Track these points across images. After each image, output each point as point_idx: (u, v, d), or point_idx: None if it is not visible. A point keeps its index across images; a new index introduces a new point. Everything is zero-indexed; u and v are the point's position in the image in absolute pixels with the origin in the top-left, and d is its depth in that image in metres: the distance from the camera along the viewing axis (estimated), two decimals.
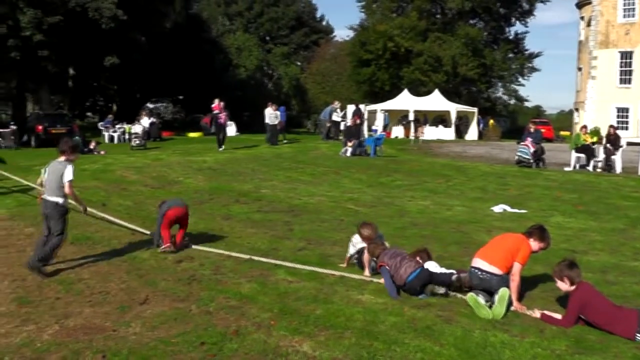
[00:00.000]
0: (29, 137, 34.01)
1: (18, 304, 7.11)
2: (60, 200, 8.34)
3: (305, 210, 13.52)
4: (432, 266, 7.87)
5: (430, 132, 40.50)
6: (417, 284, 7.33)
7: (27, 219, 12.36)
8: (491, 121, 47.22)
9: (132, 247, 9.68)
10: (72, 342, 5.94)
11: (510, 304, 6.94)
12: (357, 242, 8.63)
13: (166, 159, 23.16)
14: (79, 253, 9.42)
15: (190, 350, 5.74)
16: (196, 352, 5.71)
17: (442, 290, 7.36)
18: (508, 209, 14.18)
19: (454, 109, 43.05)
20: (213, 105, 28.32)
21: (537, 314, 6.80)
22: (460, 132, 43.44)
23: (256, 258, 8.99)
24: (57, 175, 8.34)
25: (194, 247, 9.65)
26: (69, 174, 8.28)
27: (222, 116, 28.01)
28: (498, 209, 14.15)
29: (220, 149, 26.57)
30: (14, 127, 34.06)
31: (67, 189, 8.30)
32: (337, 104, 35.92)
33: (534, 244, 7.32)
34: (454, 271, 7.82)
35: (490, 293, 7.10)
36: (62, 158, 8.52)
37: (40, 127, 32.72)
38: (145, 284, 7.82)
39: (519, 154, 23.75)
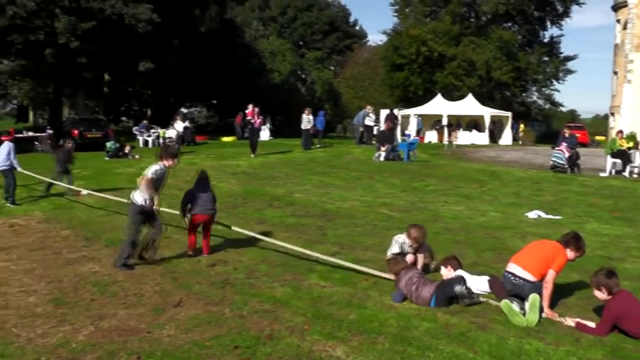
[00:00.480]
0: (64, 141, 34.43)
1: (54, 305, 7.21)
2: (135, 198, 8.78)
3: (338, 215, 13.50)
4: (462, 274, 7.80)
5: (464, 137, 40.20)
6: (443, 304, 7.21)
7: (63, 222, 12.54)
8: (522, 125, 46.56)
9: (166, 250, 9.74)
10: (107, 343, 6.00)
11: (541, 310, 6.87)
12: (403, 242, 8.53)
13: (200, 163, 23.26)
14: (114, 255, 9.49)
15: (224, 353, 5.76)
16: (230, 355, 5.73)
17: (467, 301, 7.26)
18: (543, 215, 14.02)
19: (487, 113, 42.69)
20: (247, 111, 28.28)
21: (569, 321, 6.72)
22: (494, 136, 43.07)
23: (297, 248, 9.02)
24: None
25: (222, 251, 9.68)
26: (149, 170, 8.80)
27: (257, 122, 27.70)
28: (532, 214, 14.00)
29: (253, 156, 26.20)
30: (50, 131, 34.55)
31: (139, 180, 8.88)
32: (369, 109, 35.84)
33: (570, 254, 7.25)
34: (486, 277, 7.76)
35: (522, 299, 7.02)
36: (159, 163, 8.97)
37: (76, 132, 33.10)
38: (179, 286, 7.87)
39: (553, 159, 23.51)
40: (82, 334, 6.26)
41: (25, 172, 15.70)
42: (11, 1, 37.06)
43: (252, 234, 10.17)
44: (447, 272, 8.01)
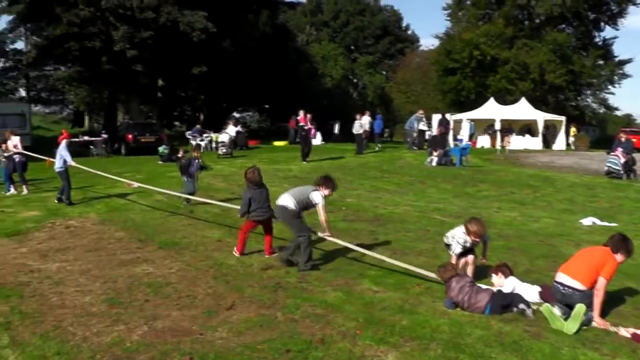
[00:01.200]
0: (119, 146, 35.09)
1: (109, 304, 7.33)
2: (289, 204, 8.97)
3: (390, 220, 13.44)
4: (513, 281, 7.67)
5: (517, 142, 39.65)
6: (497, 312, 7.08)
7: (118, 223, 12.75)
8: (573, 129, 45.25)
9: (219, 253, 9.83)
10: (161, 343, 6.06)
11: (588, 321, 6.69)
12: (460, 237, 8.23)
13: None
14: (168, 258, 9.63)
15: (275, 357, 5.77)
16: (281, 359, 5.74)
17: (521, 307, 7.12)
18: (597, 222, 13.74)
19: (541, 117, 42.01)
20: (299, 117, 27.73)
21: (624, 332, 6.52)
22: (548, 141, 42.39)
23: (359, 249, 9.00)
24: (300, 190, 9.27)
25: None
26: (319, 199, 8.99)
27: (309, 129, 27.45)
28: (587, 221, 13.73)
29: (305, 162, 25.89)
30: (105, 135, 35.22)
31: (322, 213, 9.02)
32: (421, 113, 35.63)
33: (620, 257, 7.04)
34: (537, 286, 7.63)
35: (572, 308, 6.82)
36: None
37: (130, 136, 33.71)
38: (231, 289, 7.92)
39: (608, 164, 23.02)
40: (136, 333, 6.35)
41: (162, 190, 15.74)
42: (66, 9, 37.92)
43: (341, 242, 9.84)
44: (498, 280, 7.88)
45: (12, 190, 17.56)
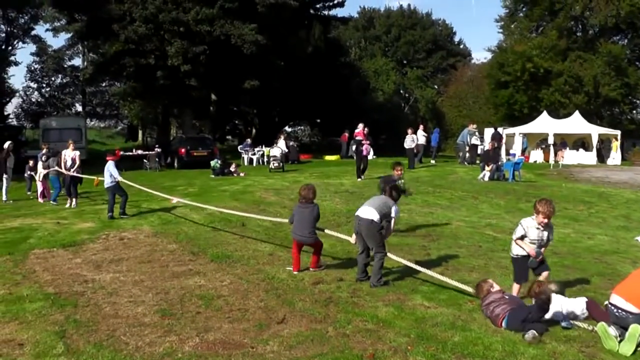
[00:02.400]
0: (172, 159, 35.53)
1: (161, 315, 7.39)
2: (375, 217, 8.89)
3: (442, 235, 13.32)
4: (559, 299, 7.44)
5: (571, 156, 39.00)
6: (515, 326, 6.89)
7: (170, 236, 12.88)
8: (615, 143, 43.59)
9: (270, 267, 9.85)
10: (212, 355, 6.08)
11: None
12: (527, 226, 7.96)
13: (304, 182, 23.43)
14: (219, 270, 9.68)
15: None
16: None
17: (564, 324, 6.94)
18: None
19: (595, 131, 41.24)
20: (357, 131, 26.31)
21: None
22: (602, 156, 41.55)
23: (415, 266, 8.92)
24: (381, 202, 9.14)
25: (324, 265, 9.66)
26: (394, 212, 9.14)
27: (366, 144, 25.67)
28: None
29: (360, 179, 24.35)
30: (158, 149, 35.71)
31: (392, 227, 9.32)
32: (473, 127, 35.25)
33: None
34: (584, 298, 7.43)
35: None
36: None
37: (183, 150, 34.08)
38: (282, 303, 7.90)
39: None
40: (187, 344, 6.38)
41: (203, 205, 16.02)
42: (124, 26, 38.73)
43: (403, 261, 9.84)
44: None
45: (69, 204, 18.00)
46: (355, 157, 26.19)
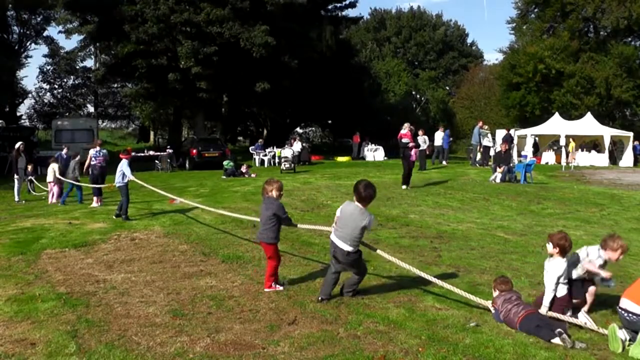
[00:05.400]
0: (183, 160, 35.68)
1: (172, 315, 7.40)
2: (350, 249, 7.93)
3: (453, 237, 13.27)
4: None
5: (583, 158, 38.84)
6: (529, 331, 6.85)
7: (181, 237, 12.90)
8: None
9: (281, 268, 9.81)
10: (223, 356, 6.08)
11: None
12: (595, 258, 7.76)
13: (315, 183, 23.48)
14: (230, 271, 9.69)
15: None
16: None
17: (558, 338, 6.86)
18: None
19: (607, 133, 41.03)
20: (402, 132, 22.34)
21: None
22: (614, 157, 41.34)
23: (425, 275, 8.90)
24: (354, 225, 7.88)
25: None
26: (371, 222, 7.94)
27: (413, 151, 22.55)
28: None
29: (404, 187, 22.01)
30: (170, 150, 35.91)
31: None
32: (485, 127, 35.08)
33: None
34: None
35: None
36: (359, 204, 7.94)
37: (194, 151, 34.24)
38: (293, 304, 7.89)
39: None
40: (199, 345, 6.39)
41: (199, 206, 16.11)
42: (135, 27, 38.91)
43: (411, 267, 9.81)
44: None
45: (94, 204, 18.33)
46: (402, 162, 22.50)
